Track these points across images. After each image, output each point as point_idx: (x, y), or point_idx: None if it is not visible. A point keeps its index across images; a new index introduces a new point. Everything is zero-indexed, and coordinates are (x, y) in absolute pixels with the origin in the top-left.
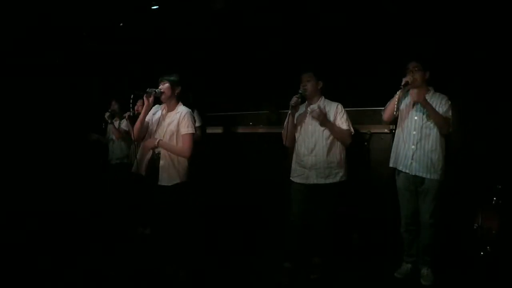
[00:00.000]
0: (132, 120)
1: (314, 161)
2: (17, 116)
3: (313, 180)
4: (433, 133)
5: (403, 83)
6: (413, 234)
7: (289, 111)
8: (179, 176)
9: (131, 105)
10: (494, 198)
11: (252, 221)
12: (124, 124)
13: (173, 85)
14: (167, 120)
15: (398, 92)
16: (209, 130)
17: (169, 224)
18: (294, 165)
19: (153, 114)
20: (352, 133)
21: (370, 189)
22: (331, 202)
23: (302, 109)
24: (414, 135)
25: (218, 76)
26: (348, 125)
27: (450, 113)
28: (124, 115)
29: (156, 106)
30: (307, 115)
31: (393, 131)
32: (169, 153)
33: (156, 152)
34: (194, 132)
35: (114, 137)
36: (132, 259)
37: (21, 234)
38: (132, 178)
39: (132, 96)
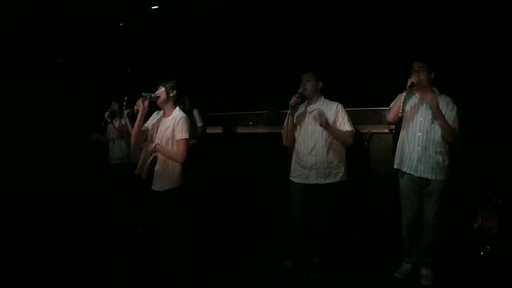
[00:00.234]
0: (132, 118)
1: (313, 161)
2: (18, 116)
3: (313, 180)
4: (438, 134)
5: (408, 84)
6: (414, 236)
7: (289, 111)
8: (171, 182)
9: (124, 107)
10: (494, 198)
11: (252, 221)
12: (123, 124)
13: (168, 89)
14: (164, 125)
15: (403, 93)
16: (209, 130)
17: (164, 226)
18: (293, 165)
19: (153, 119)
20: (354, 133)
21: (370, 189)
22: (331, 202)
23: (301, 109)
24: (419, 136)
25: (218, 76)
26: (350, 125)
27: (457, 124)
28: (124, 112)
29: (157, 112)
30: (307, 115)
31: (393, 131)
32: (164, 158)
33: (155, 156)
34: (187, 137)
35: (114, 137)
36: (132, 259)
37: (21, 234)
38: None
39: (126, 99)
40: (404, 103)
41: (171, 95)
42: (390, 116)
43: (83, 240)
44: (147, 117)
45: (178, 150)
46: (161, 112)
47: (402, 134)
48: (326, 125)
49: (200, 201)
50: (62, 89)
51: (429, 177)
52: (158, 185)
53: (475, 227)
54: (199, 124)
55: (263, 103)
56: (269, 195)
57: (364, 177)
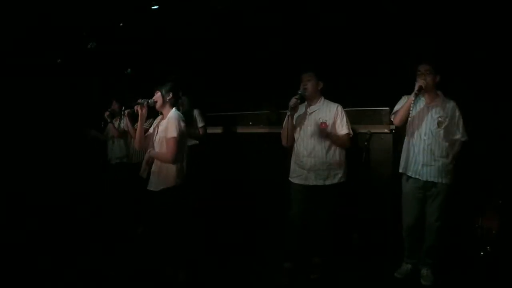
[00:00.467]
0: (132, 118)
1: (313, 163)
2: (17, 116)
3: (312, 181)
4: (443, 138)
5: (417, 88)
6: (415, 238)
7: (288, 112)
8: (166, 182)
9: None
10: (494, 198)
11: (252, 221)
12: (124, 124)
13: (163, 93)
14: (161, 127)
15: (411, 97)
16: (209, 130)
17: (161, 226)
18: (293, 165)
19: (155, 124)
20: (351, 135)
21: (370, 189)
22: (330, 202)
23: (301, 109)
24: (424, 140)
25: (218, 76)
26: (348, 128)
27: (465, 132)
28: (124, 111)
29: (159, 117)
30: (307, 116)
31: (393, 131)
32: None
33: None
34: (176, 136)
35: (114, 136)
36: (132, 259)
37: (21, 234)
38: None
39: (123, 108)
40: (413, 107)
41: (167, 98)
42: (397, 120)
43: (83, 240)
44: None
45: (167, 150)
46: (161, 116)
47: (407, 138)
48: (326, 135)
49: (200, 201)
50: (62, 89)
51: (435, 180)
52: (153, 185)
53: (475, 227)
54: (200, 124)
55: (263, 103)
56: (269, 195)
57: (364, 177)
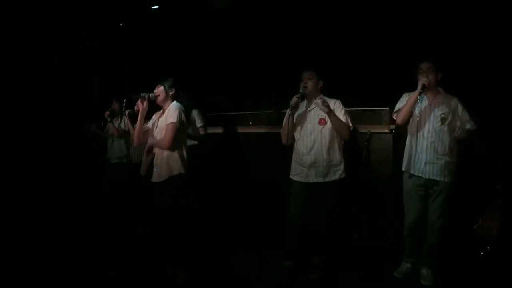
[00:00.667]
0: (133, 118)
1: (313, 160)
2: (18, 116)
3: (312, 179)
4: (446, 136)
5: (420, 87)
6: (416, 236)
7: (289, 111)
8: (170, 171)
9: (123, 109)
10: (494, 198)
11: (252, 220)
12: (124, 123)
13: (166, 88)
14: (161, 120)
15: (415, 94)
16: (209, 130)
17: (165, 220)
18: (293, 163)
19: (154, 120)
20: (351, 128)
21: (370, 189)
22: (331, 201)
23: (301, 108)
24: (427, 138)
25: (218, 76)
26: (347, 120)
27: (473, 122)
28: (125, 111)
29: (157, 112)
30: (306, 114)
31: (393, 131)
32: (161, 150)
33: (154, 153)
34: (174, 121)
35: (114, 135)
36: (132, 260)
37: (21, 234)
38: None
39: (125, 101)
40: (415, 105)
41: (170, 93)
42: (400, 118)
43: (82, 240)
44: (148, 117)
45: (165, 135)
46: (161, 111)
47: (409, 136)
48: (329, 110)
49: (200, 201)
50: (62, 89)
51: (438, 179)
52: (157, 177)
53: (475, 227)
54: (199, 124)
55: (263, 103)
56: (269, 195)
57: (364, 177)
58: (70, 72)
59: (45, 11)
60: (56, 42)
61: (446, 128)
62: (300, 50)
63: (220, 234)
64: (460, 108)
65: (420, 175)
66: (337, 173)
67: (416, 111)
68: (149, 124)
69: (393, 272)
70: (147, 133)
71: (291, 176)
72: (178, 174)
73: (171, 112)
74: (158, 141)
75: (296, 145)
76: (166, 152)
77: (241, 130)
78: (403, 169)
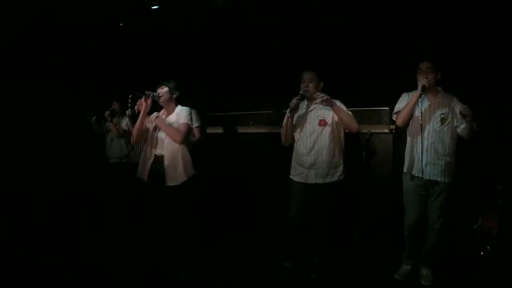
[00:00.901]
0: (133, 118)
1: (313, 161)
2: (17, 117)
3: (312, 179)
4: (446, 136)
5: (420, 88)
6: (416, 236)
7: (288, 113)
8: (186, 173)
9: (129, 105)
10: (494, 198)
11: (252, 220)
12: (124, 123)
13: (171, 90)
14: (172, 120)
15: (415, 97)
16: (209, 130)
17: (169, 221)
18: (293, 163)
19: (154, 119)
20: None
21: (370, 189)
22: (330, 201)
23: (301, 108)
24: (428, 138)
25: (218, 76)
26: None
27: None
28: (126, 111)
29: (155, 113)
30: (306, 114)
31: (393, 131)
32: (172, 152)
33: (159, 155)
34: (190, 123)
35: (113, 135)
36: (132, 259)
37: (21, 234)
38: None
39: (130, 96)
40: (415, 106)
41: (174, 96)
42: (400, 120)
43: (82, 240)
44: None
45: (179, 130)
46: (162, 111)
47: (409, 137)
48: (332, 103)
49: (200, 201)
50: (62, 89)
51: (438, 179)
52: (173, 180)
53: (475, 227)
54: (195, 125)
55: (263, 103)
56: (269, 195)
57: (364, 177)
58: (70, 72)
59: (45, 11)
60: (56, 42)
61: (446, 128)
62: (300, 50)
63: (220, 234)
64: (459, 108)
65: (420, 175)
66: (336, 175)
67: (416, 112)
68: (148, 124)
69: (393, 273)
70: (145, 132)
71: (291, 176)
72: (192, 176)
73: (184, 114)
74: (172, 130)
75: (296, 146)
76: (181, 155)
77: (241, 130)
78: (405, 170)
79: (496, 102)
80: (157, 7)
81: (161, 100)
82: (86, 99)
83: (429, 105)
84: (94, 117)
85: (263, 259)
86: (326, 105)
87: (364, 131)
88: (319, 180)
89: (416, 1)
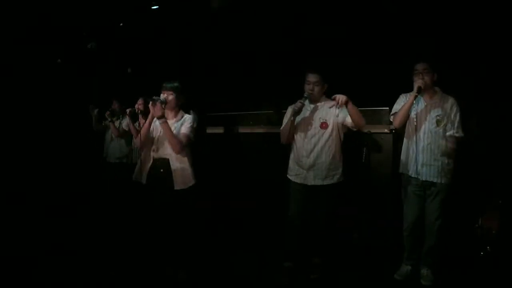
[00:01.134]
0: (133, 117)
1: (312, 163)
2: (17, 116)
3: (311, 181)
4: (442, 137)
5: (416, 90)
6: (416, 237)
7: (291, 116)
8: (193, 177)
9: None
10: (494, 198)
11: (252, 221)
12: (124, 124)
13: (178, 95)
14: (176, 125)
15: (411, 98)
16: (209, 130)
17: (175, 224)
18: (292, 163)
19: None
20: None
21: (370, 189)
22: (330, 202)
23: (303, 110)
24: (424, 139)
25: (218, 76)
26: None
27: (461, 129)
28: (126, 110)
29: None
30: (307, 116)
31: (393, 131)
32: (177, 156)
33: (158, 158)
34: (192, 135)
35: (113, 135)
36: (132, 259)
37: (20, 234)
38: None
39: (149, 100)
40: (412, 107)
41: (180, 103)
42: (397, 122)
43: (82, 240)
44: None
45: (180, 141)
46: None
47: (406, 138)
48: (346, 101)
49: (200, 201)
50: (62, 89)
51: (435, 180)
52: (182, 183)
53: (475, 227)
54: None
55: (263, 103)
56: (269, 195)
57: (364, 177)
58: (70, 72)
59: (45, 11)
60: (56, 42)
61: (441, 130)
62: (300, 50)
63: (220, 234)
64: (454, 111)
65: (417, 176)
66: (336, 177)
67: (413, 113)
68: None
69: (393, 273)
70: (150, 137)
71: (288, 176)
72: (196, 181)
73: (187, 122)
74: (173, 136)
75: (295, 146)
76: (186, 160)
77: (241, 130)
78: (400, 171)
79: (496, 102)
80: (157, 7)
81: (168, 105)
82: (86, 99)
83: (425, 106)
84: (97, 109)
85: (263, 259)
86: (341, 101)
87: (364, 131)
88: (318, 182)
89: (416, 1)
